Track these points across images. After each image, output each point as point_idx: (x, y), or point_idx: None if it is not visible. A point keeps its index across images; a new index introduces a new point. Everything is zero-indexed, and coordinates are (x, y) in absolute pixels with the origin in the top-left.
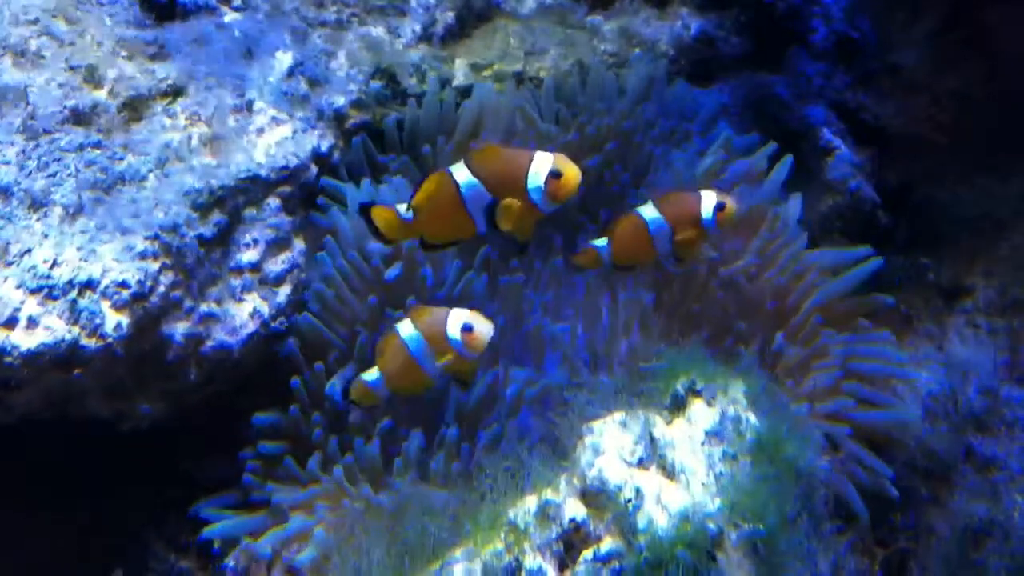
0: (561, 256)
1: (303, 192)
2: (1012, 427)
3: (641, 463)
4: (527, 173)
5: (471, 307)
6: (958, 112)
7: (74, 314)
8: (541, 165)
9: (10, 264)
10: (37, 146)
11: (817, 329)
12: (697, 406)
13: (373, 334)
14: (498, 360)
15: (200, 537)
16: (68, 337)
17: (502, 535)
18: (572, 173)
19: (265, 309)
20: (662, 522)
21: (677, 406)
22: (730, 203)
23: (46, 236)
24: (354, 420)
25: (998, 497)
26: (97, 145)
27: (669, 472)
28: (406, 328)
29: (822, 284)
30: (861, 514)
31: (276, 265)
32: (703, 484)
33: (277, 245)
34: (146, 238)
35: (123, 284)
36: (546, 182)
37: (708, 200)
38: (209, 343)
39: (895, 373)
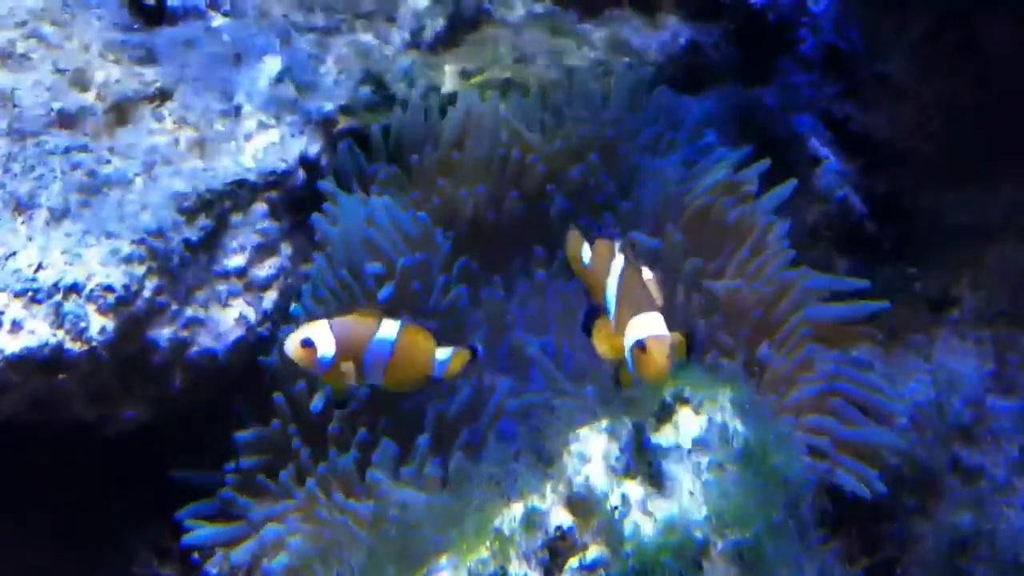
0: (543, 269)
1: (290, 197)
2: (998, 438)
3: (628, 471)
4: None
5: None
6: (946, 121)
7: (59, 318)
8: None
9: None
10: (23, 149)
11: (804, 342)
12: (684, 414)
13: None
14: (480, 374)
15: (180, 544)
16: (53, 341)
17: (487, 543)
18: None
19: (251, 315)
20: (648, 530)
21: (664, 414)
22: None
23: (31, 239)
24: (333, 432)
25: (984, 507)
26: (84, 148)
27: (656, 480)
28: None
29: (812, 302)
30: (863, 496)
31: (263, 270)
32: (690, 492)
33: (264, 250)
34: (132, 242)
35: (108, 288)
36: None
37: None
38: (194, 348)
39: (877, 402)
